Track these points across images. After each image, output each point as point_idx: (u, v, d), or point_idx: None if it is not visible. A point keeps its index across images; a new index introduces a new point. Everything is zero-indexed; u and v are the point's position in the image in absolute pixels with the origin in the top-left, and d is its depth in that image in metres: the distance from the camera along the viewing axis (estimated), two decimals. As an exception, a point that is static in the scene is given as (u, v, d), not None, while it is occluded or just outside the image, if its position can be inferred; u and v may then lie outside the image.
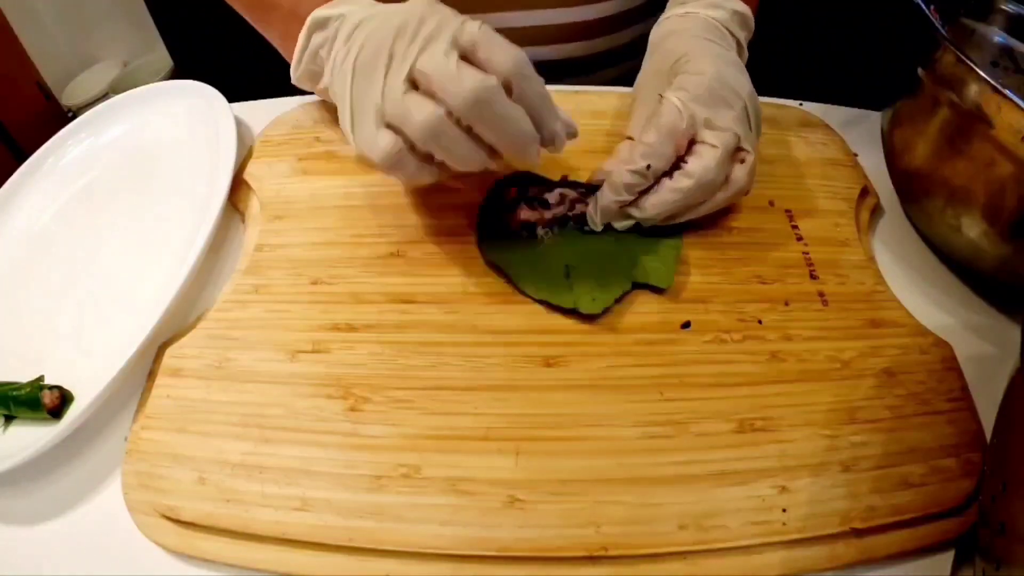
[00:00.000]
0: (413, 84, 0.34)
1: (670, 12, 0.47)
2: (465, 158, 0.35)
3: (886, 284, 0.42)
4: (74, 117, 0.53)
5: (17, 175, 0.50)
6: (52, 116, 1.41)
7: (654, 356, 0.37)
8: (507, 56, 0.34)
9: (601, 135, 0.48)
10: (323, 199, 0.45)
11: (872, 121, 0.49)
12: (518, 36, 0.58)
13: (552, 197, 0.42)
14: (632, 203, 0.40)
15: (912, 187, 0.44)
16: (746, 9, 0.46)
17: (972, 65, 0.36)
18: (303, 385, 0.36)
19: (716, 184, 0.39)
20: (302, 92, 0.48)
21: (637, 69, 0.47)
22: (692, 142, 0.39)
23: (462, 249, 0.42)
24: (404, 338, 0.38)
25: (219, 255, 0.45)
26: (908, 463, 0.34)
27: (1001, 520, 0.27)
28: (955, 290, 0.44)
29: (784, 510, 0.32)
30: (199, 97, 0.51)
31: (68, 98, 1.54)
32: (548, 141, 0.36)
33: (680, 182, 0.39)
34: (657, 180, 0.39)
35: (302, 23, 0.43)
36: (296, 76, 0.45)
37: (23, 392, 0.37)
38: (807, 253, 0.42)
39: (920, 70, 0.40)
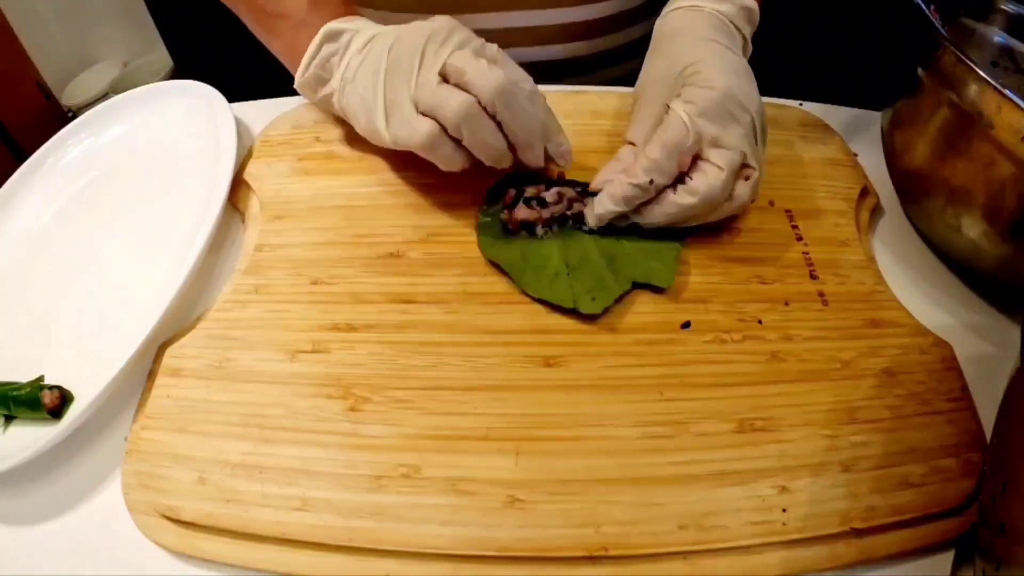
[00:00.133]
0: (443, 79, 0.38)
1: (676, 4, 0.46)
2: (489, 146, 0.39)
3: (886, 284, 0.42)
4: (74, 117, 0.53)
5: (17, 175, 0.50)
6: (52, 116, 1.41)
7: (654, 356, 0.37)
8: (521, 74, 0.39)
9: (601, 135, 0.48)
10: (323, 199, 0.45)
11: (872, 121, 0.49)
12: (519, 36, 0.59)
13: (550, 196, 0.42)
14: (635, 209, 0.40)
15: (912, 187, 0.44)
16: (753, 4, 0.46)
17: (972, 65, 0.36)
18: (303, 385, 0.36)
19: (719, 201, 0.39)
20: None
21: (638, 69, 0.47)
22: (697, 157, 0.39)
23: (462, 249, 0.42)
24: (404, 338, 0.38)
25: (219, 255, 0.45)
26: (908, 463, 0.34)
27: (1001, 520, 0.27)
28: (955, 290, 0.44)
29: (784, 510, 0.32)
30: (199, 97, 0.51)
31: (68, 98, 1.55)
32: (552, 151, 0.41)
33: (683, 198, 0.39)
34: (659, 192, 0.39)
35: (311, 32, 0.44)
36: (301, 80, 0.45)
37: (23, 392, 0.37)
38: (807, 253, 0.42)
39: (920, 70, 0.40)
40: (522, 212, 0.42)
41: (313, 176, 0.46)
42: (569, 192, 0.42)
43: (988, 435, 0.35)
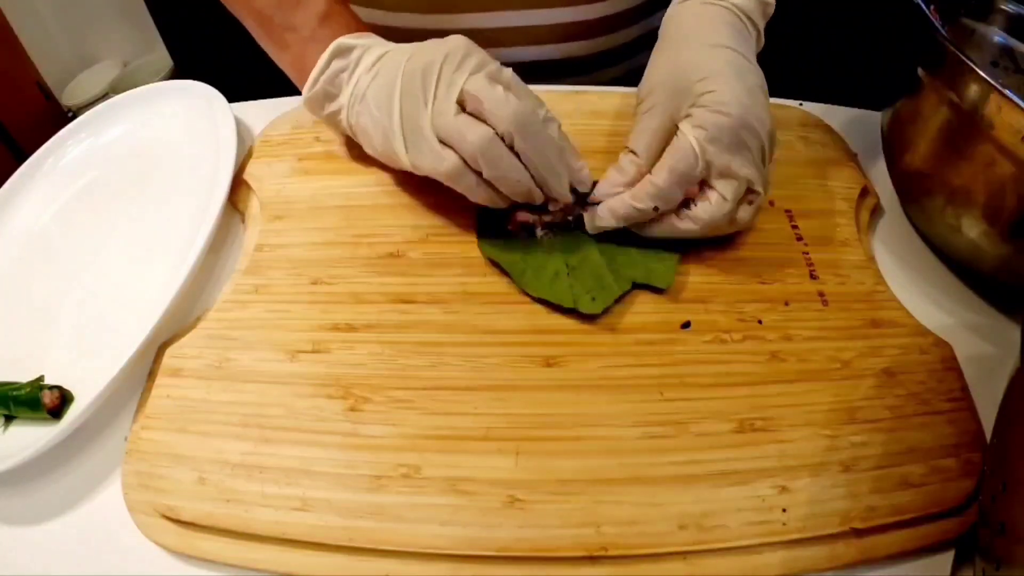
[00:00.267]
0: (460, 106, 0.38)
1: None
2: (511, 179, 0.38)
3: (886, 284, 0.42)
4: (74, 117, 0.53)
5: (17, 175, 0.50)
6: (52, 116, 1.41)
7: (654, 356, 0.37)
8: (535, 101, 0.39)
9: (601, 135, 0.48)
10: (323, 199, 0.45)
11: (872, 121, 0.49)
12: (518, 36, 0.59)
13: (551, 203, 0.42)
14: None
15: (912, 187, 0.44)
16: None
17: (972, 65, 0.36)
18: (303, 385, 0.36)
19: (720, 228, 0.40)
20: (302, 92, 0.48)
21: (637, 68, 0.46)
22: (702, 183, 0.38)
23: (462, 249, 0.42)
24: (404, 338, 0.38)
25: (219, 255, 0.45)
26: (908, 463, 0.34)
27: (1001, 520, 0.27)
28: (955, 290, 0.44)
29: (784, 510, 0.32)
30: (199, 97, 0.51)
31: (68, 98, 1.55)
32: (572, 176, 0.40)
33: (685, 224, 0.39)
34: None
35: (320, 48, 0.43)
36: (308, 95, 0.44)
37: (23, 392, 0.37)
38: (807, 253, 0.42)
39: (920, 70, 0.40)
40: (522, 214, 0.42)
41: (313, 176, 0.46)
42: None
43: (988, 435, 0.35)
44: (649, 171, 0.39)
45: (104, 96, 1.51)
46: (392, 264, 0.41)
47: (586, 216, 0.41)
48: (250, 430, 0.35)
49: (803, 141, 0.49)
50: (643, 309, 0.40)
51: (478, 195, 0.39)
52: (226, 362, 0.37)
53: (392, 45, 0.43)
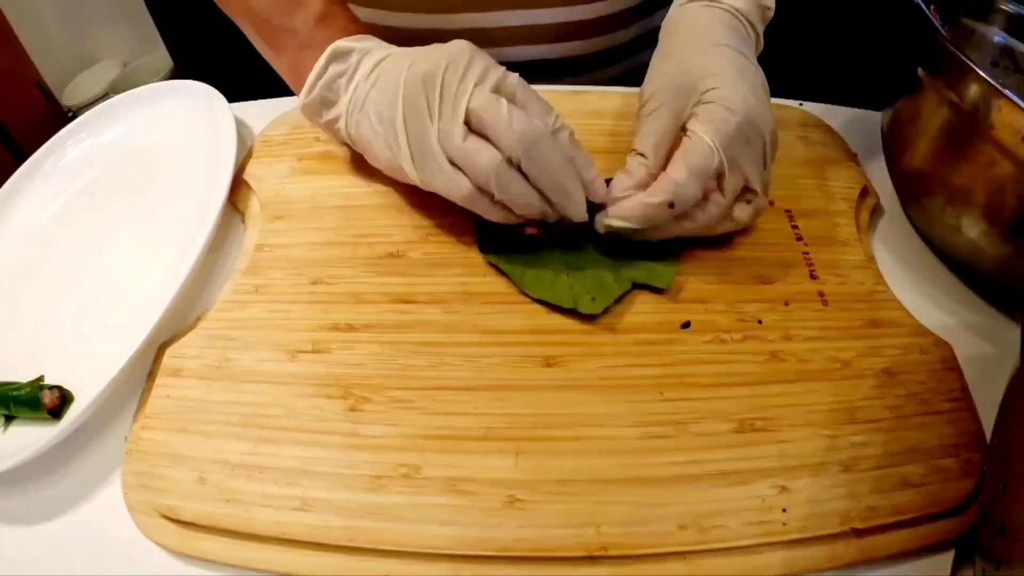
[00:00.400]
0: (467, 123, 0.36)
1: None
2: (522, 202, 0.37)
3: (886, 284, 0.42)
4: (74, 117, 0.53)
5: (17, 175, 0.50)
6: (52, 116, 1.41)
7: (654, 356, 0.37)
8: (541, 110, 0.37)
9: (601, 135, 0.48)
10: (323, 199, 0.45)
11: (872, 121, 0.49)
12: (515, 35, 0.59)
13: None
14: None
15: (912, 187, 0.44)
16: (771, 2, 0.44)
17: (972, 65, 0.36)
18: (303, 385, 0.36)
19: (717, 227, 0.39)
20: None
21: (636, 68, 0.46)
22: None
23: (462, 249, 0.42)
24: (404, 338, 0.38)
25: (219, 255, 0.45)
26: (908, 463, 0.34)
27: (1001, 520, 0.27)
28: (955, 290, 0.44)
29: (784, 510, 0.32)
30: (199, 97, 0.51)
31: (68, 98, 1.55)
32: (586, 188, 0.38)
33: (680, 223, 0.39)
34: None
35: (317, 51, 0.42)
36: (305, 102, 0.43)
37: (23, 392, 0.37)
38: (807, 253, 0.42)
39: (920, 70, 0.40)
40: (530, 230, 0.41)
41: (313, 176, 0.46)
42: None
43: (988, 435, 0.35)
44: (657, 173, 0.38)
45: (104, 96, 1.51)
46: (392, 264, 0.41)
47: (596, 217, 0.40)
48: (250, 430, 0.35)
49: (803, 141, 0.49)
50: (643, 309, 0.40)
51: (493, 215, 0.38)
52: (226, 362, 0.37)
53: (392, 49, 0.42)
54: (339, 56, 0.42)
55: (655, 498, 0.32)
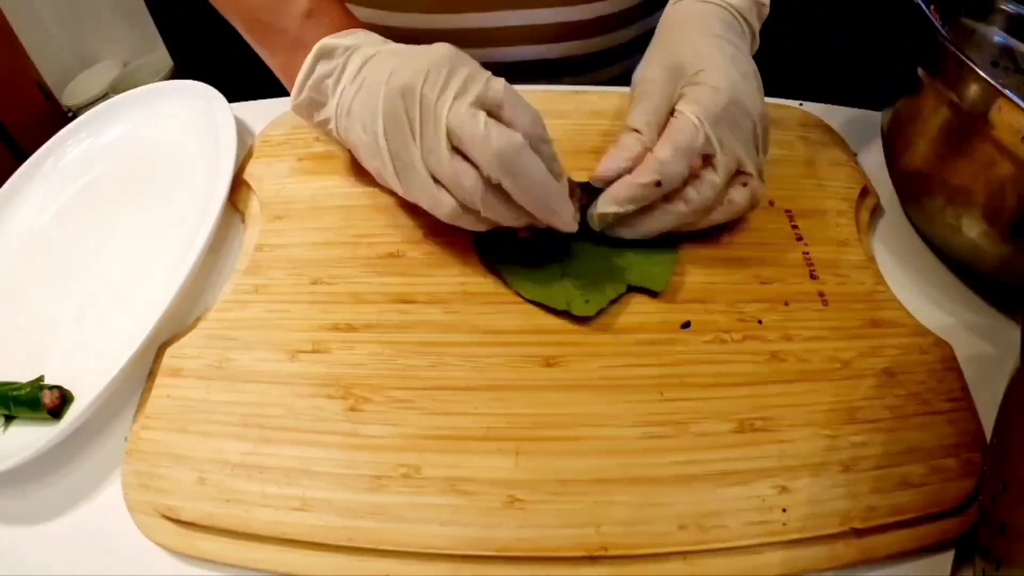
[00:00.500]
0: (449, 140, 0.35)
1: None
2: (509, 218, 0.37)
3: (886, 284, 0.42)
4: (74, 117, 0.53)
5: (17, 175, 0.50)
6: (52, 116, 1.41)
7: (654, 356, 0.37)
8: (527, 118, 0.36)
9: (601, 135, 0.48)
10: (323, 199, 0.45)
11: (872, 121, 0.49)
12: (515, 35, 0.59)
13: None
14: (623, 221, 0.39)
15: (912, 187, 0.44)
16: None
17: (972, 65, 0.36)
18: (303, 385, 0.36)
19: (711, 209, 0.39)
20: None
21: (634, 68, 0.47)
22: (705, 159, 0.38)
23: (462, 249, 0.42)
24: (404, 338, 0.38)
25: (219, 255, 0.45)
26: (908, 463, 0.34)
27: (1001, 520, 0.27)
28: (955, 290, 0.44)
29: (784, 510, 0.32)
30: (199, 97, 0.51)
31: (68, 98, 1.55)
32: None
33: (676, 205, 0.39)
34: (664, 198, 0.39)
35: (306, 51, 0.41)
36: (296, 102, 0.43)
37: (23, 392, 0.37)
38: (807, 253, 0.42)
39: (920, 70, 0.40)
40: (522, 232, 0.41)
41: (313, 176, 0.46)
42: None
43: (988, 435, 0.35)
44: (651, 147, 0.38)
45: (104, 96, 1.51)
46: (392, 264, 0.41)
47: (589, 210, 0.40)
48: (250, 430, 0.35)
49: (803, 141, 0.49)
50: (643, 309, 0.40)
51: (479, 227, 0.38)
52: (226, 362, 0.37)
53: (380, 45, 0.41)
54: (326, 54, 0.41)
55: (655, 498, 0.32)
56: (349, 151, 0.46)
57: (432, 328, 0.38)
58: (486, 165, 0.34)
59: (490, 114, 0.35)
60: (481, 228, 0.38)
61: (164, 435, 0.35)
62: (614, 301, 0.39)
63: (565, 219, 0.37)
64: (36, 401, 0.36)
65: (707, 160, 0.38)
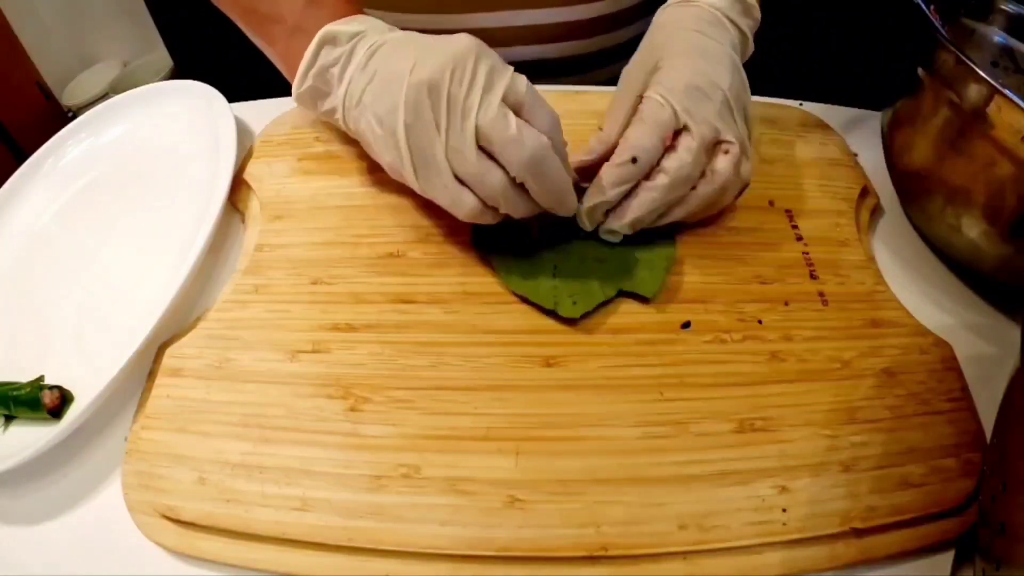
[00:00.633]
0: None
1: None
2: (521, 211, 0.38)
3: (886, 284, 0.42)
4: (74, 117, 0.53)
5: (17, 175, 0.50)
6: (52, 116, 1.41)
7: (654, 356, 0.37)
8: (547, 118, 0.37)
9: (601, 135, 0.48)
10: (323, 199, 0.45)
11: (872, 121, 0.49)
12: (515, 35, 0.59)
13: None
14: (613, 210, 0.39)
15: (912, 187, 0.44)
16: None
17: (972, 65, 0.36)
18: (303, 385, 0.36)
19: (693, 178, 0.39)
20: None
21: None
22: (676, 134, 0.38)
23: (462, 249, 0.42)
24: (404, 338, 0.38)
25: (219, 255, 0.45)
26: (908, 463, 0.34)
27: (1001, 520, 0.27)
28: (955, 290, 0.44)
29: (784, 510, 0.32)
30: (199, 97, 0.51)
31: (68, 98, 1.55)
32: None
33: (656, 179, 0.38)
34: (636, 184, 0.38)
35: (307, 39, 0.40)
36: (298, 92, 0.42)
37: (23, 392, 0.37)
38: (807, 253, 0.42)
39: (920, 70, 0.40)
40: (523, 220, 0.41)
41: (313, 176, 0.46)
42: None
43: (988, 435, 0.35)
44: (616, 142, 0.39)
45: (104, 96, 1.51)
46: (392, 264, 0.41)
47: (579, 213, 0.40)
48: (250, 430, 0.35)
49: (803, 141, 0.49)
50: (643, 309, 0.40)
51: (492, 222, 0.38)
52: (226, 362, 0.37)
53: (387, 33, 0.40)
54: (329, 41, 0.40)
55: (655, 498, 0.32)
56: (351, 151, 0.46)
57: (432, 328, 0.38)
58: (516, 166, 0.35)
59: (514, 112, 0.36)
60: (492, 222, 0.38)
61: (164, 435, 0.35)
62: (603, 304, 0.39)
63: (571, 207, 0.39)
64: (36, 401, 0.37)
65: (681, 133, 0.38)
